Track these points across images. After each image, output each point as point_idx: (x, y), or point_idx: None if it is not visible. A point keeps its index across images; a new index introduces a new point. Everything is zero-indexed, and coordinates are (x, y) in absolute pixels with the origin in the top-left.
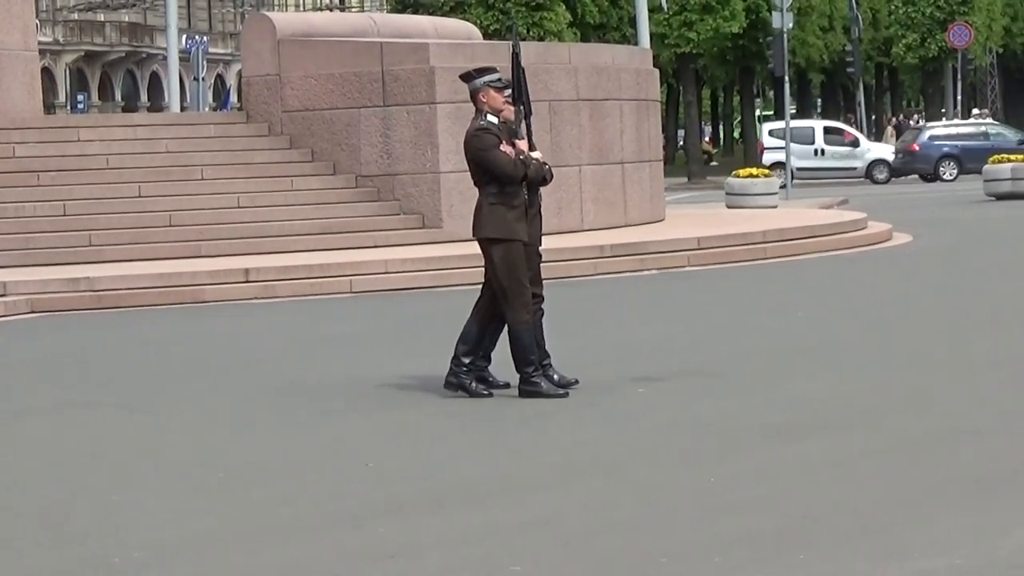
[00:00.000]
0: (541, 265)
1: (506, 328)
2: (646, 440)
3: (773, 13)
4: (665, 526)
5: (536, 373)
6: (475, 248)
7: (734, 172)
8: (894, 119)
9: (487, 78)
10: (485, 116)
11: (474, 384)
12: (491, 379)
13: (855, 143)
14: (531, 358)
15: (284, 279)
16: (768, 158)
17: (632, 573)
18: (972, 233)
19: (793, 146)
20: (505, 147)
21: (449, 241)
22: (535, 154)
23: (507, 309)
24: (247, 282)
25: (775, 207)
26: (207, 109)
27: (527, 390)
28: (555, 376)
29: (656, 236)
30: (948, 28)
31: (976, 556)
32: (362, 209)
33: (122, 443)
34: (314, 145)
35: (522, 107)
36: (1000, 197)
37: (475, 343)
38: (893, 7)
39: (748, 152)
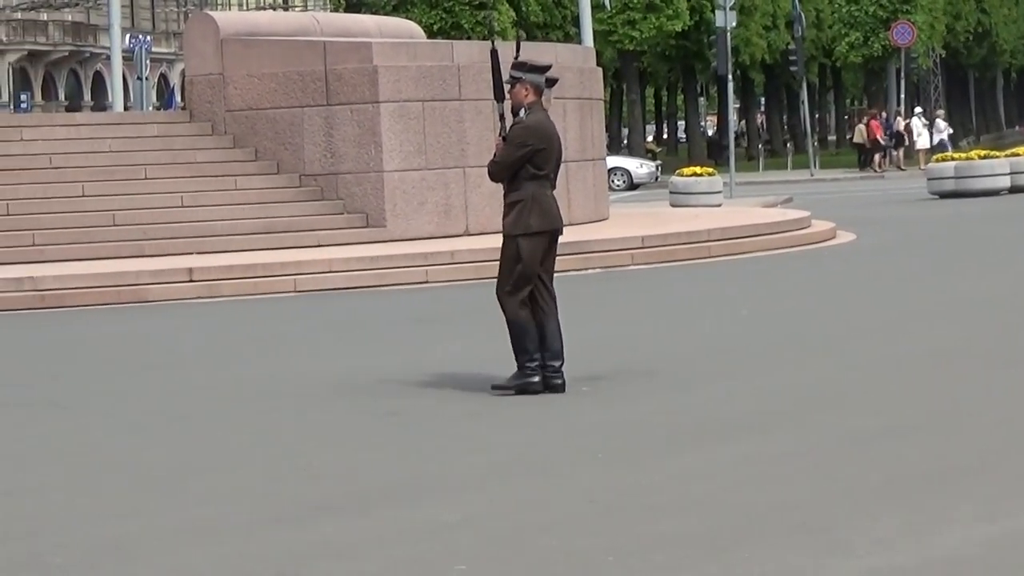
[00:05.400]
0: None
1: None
2: (587, 439)
3: (716, 12)
4: (605, 524)
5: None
6: (416, 248)
7: (678, 171)
8: (866, 117)
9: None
10: None
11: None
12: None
13: None
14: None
15: (227, 279)
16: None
17: (577, 571)
18: (915, 231)
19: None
20: None
21: (392, 240)
22: None
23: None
24: (190, 281)
25: (719, 205)
26: (151, 108)
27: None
28: None
29: (600, 235)
30: (891, 27)
31: (917, 554)
32: (305, 208)
33: (54, 442)
34: (257, 144)
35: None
36: (943, 195)
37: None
38: (836, 6)
39: (692, 150)
